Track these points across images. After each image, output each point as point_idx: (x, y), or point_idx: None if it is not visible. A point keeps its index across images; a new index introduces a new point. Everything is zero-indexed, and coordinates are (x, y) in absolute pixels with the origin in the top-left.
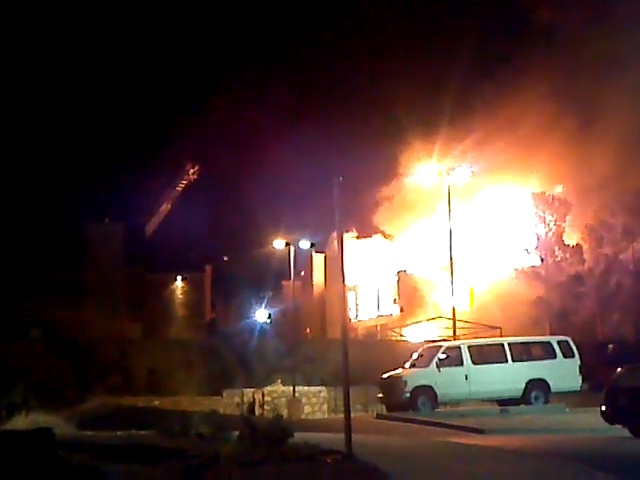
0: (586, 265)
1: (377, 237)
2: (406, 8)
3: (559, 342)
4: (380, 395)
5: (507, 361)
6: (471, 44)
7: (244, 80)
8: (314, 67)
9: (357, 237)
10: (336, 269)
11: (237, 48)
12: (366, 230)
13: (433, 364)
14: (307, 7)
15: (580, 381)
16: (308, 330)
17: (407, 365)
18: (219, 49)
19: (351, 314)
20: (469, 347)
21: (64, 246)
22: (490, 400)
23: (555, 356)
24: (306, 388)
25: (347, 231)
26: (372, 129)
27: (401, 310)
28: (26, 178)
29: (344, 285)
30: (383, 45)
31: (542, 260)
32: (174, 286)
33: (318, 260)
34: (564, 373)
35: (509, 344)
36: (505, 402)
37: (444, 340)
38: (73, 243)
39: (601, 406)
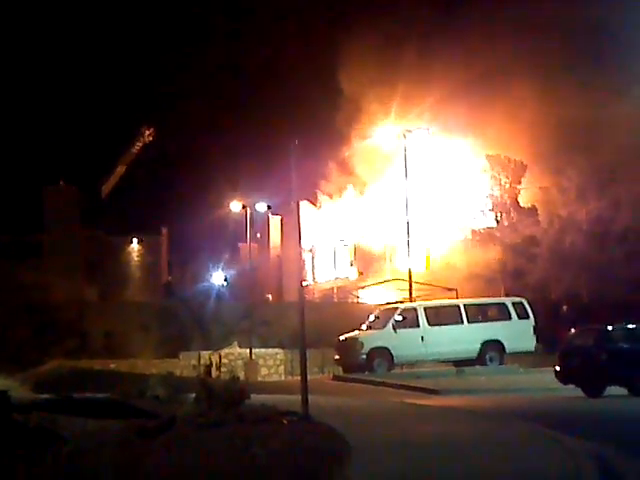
0: (540, 227)
1: (333, 200)
2: None
3: (514, 303)
4: (337, 357)
5: (462, 322)
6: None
7: (199, 44)
8: (269, 30)
9: (311, 202)
10: (293, 231)
11: (192, 12)
12: (321, 193)
13: (389, 326)
14: None
15: (534, 342)
16: (269, 297)
17: (363, 327)
18: (174, 12)
19: (308, 277)
20: (425, 309)
21: (20, 209)
22: (446, 361)
23: (510, 317)
24: (263, 350)
25: (309, 199)
26: (328, 92)
27: (360, 274)
28: None
29: (300, 249)
30: (337, 7)
31: (497, 222)
32: (130, 248)
33: (275, 222)
34: (519, 334)
35: (464, 305)
36: (461, 363)
37: (400, 302)
38: (29, 206)
39: (555, 366)
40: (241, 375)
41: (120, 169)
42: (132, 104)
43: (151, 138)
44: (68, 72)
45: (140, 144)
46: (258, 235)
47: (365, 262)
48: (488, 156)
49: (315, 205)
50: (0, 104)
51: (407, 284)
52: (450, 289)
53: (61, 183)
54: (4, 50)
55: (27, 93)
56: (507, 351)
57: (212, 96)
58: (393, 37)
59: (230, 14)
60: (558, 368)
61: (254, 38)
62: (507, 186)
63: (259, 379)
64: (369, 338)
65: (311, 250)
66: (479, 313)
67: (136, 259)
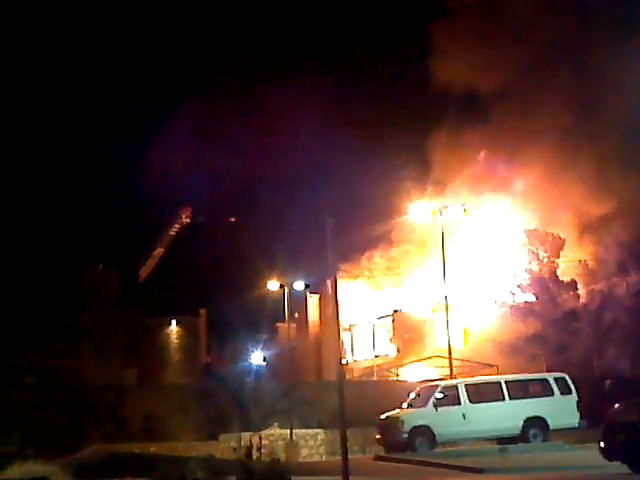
0: (581, 301)
1: (371, 278)
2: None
3: (556, 379)
4: (378, 436)
5: (504, 399)
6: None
7: (230, 122)
8: (306, 107)
9: (348, 277)
10: (331, 310)
11: (225, 83)
12: (359, 271)
13: (430, 404)
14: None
15: (578, 417)
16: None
17: (404, 405)
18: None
19: (347, 355)
20: (466, 386)
21: (59, 291)
22: (488, 439)
23: (552, 393)
24: (303, 431)
25: (342, 276)
26: (365, 169)
27: (397, 350)
28: (20, 224)
29: (338, 326)
30: (375, 85)
31: (537, 297)
32: (169, 330)
33: (313, 301)
34: (562, 410)
35: (506, 382)
36: (504, 441)
37: (441, 379)
38: (68, 288)
39: (600, 442)
40: (282, 456)
41: (158, 251)
42: (168, 186)
43: (188, 220)
44: (105, 156)
45: (178, 226)
46: (296, 314)
47: (404, 339)
48: (526, 231)
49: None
50: (39, 187)
51: (447, 361)
52: (491, 365)
53: (100, 266)
54: (37, 137)
55: (65, 178)
56: (550, 427)
57: (246, 173)
58: (428, 114)
59: (255, 92)
60: (603, 444)
61: (285, 115)
62: (545, 260)
63: (300, 460)
64: (410, 417)
65: (349, 328)
66: (521, 389)
67: (175, 341)
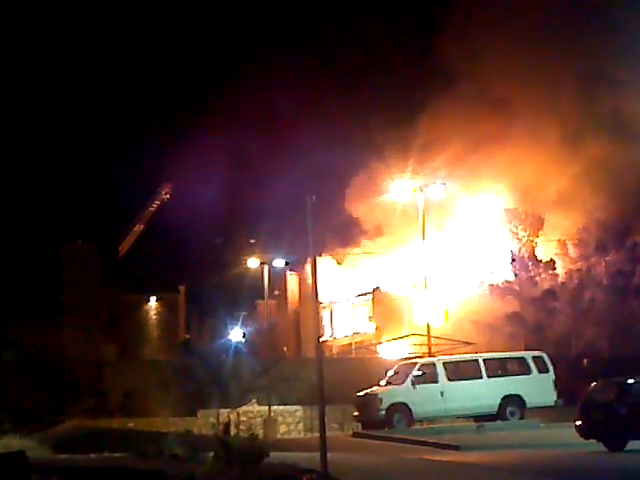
0: (559, 280)
1: (350, 256)
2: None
3: (534, 357)
4: (356, 413)
5: (482, 377)
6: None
7: (213, 100)
8: (288, 85)
9: (331, 255)
10: (310, 288)
11: (208, 68)
12: (339, 248)
13: (408, 381)
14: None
15: (555, 396)
16: (285, 349)
17: (382, 382)
18: (191, 69)
19: (326, 332)
20: (444, 364)
21: (38, 267)
22: (466, 416)
23: (530, 371)
24: (281, 407)
25: (321, 254)
26: (347, 148)
27: (376, 328)
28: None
29: (317, 304)
30: (358, 63)
31: (516, 275)
32: (148, 306)
33: (293, 279)
34: (539, 388)
35: (484, 360)
36: (481, 418)
37: (419, 357)
38: (47, 264)
39: (576, 421)
40: (260, 433)
41: (138, 227)
42: (148, 162)
43: (168, 196)
44: (88, 132)
45: (158, 202)
46: (276, 292)
47: (383, 317)
48: (506, 210)
49: (337, 261)
50: (21, 162)
51: (426, 339)
52: (469, 343)
53: (79, 241)
54: (26, 111)
55: (47, 152)
56: (527, 406)
57: (228, 151)
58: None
59: (240, 70)
60: (579, 422)
61: (264, 93)
62: (525, 240)
63: (278, 436)
64: (388, 394)
65: (329, 306)
66: (499, 367)
67: (154, 317)
